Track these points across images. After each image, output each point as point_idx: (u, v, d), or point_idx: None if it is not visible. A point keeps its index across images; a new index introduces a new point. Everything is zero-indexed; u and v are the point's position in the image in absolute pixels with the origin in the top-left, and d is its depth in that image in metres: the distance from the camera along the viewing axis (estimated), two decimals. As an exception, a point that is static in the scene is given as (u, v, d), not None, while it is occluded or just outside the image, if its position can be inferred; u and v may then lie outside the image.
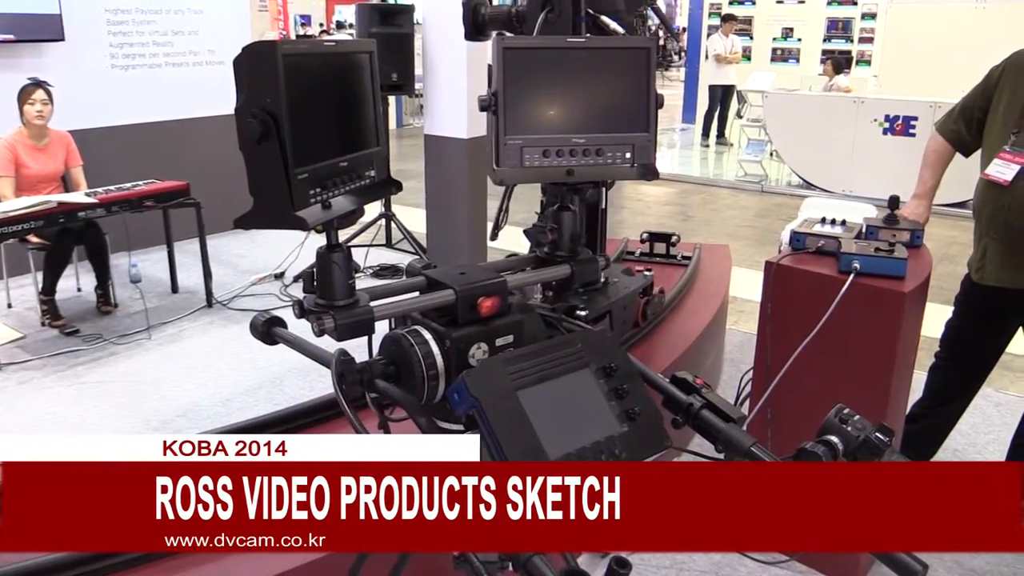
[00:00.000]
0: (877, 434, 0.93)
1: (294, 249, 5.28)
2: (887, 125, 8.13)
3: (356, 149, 1.05)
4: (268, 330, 1.31)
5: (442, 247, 5.54)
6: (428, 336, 1.08)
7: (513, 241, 6.65)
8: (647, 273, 2.78)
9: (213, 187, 5.56)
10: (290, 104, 0.88)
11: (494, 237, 2.31)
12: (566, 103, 1.18)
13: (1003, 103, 2.61)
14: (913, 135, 7.99)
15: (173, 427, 3.47)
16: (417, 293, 1.17)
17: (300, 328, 1.29)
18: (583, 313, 1.19)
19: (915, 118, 7.96)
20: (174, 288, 5.15)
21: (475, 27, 2.20)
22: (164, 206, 4.73)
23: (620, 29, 2.12)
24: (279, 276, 5.35)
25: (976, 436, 3.37)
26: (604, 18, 2.07)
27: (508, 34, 2.08)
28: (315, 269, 1.03)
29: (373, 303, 1.07)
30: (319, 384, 3.69)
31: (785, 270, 2.42)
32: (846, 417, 0.95)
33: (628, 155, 1.21)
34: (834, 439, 0.93)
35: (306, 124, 0.92)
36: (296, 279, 5.29)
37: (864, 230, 2.62)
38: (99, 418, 3.56)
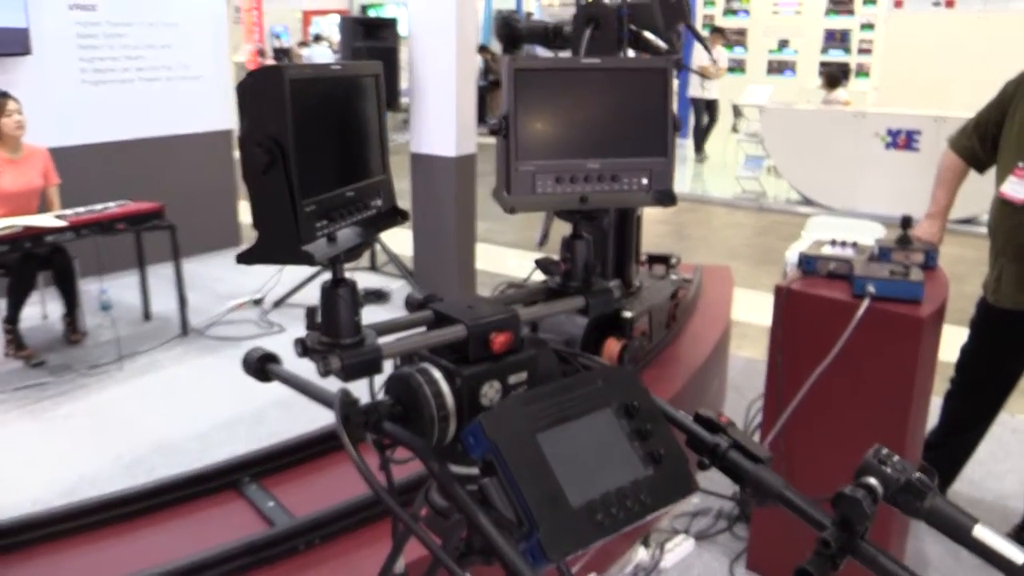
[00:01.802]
0: (919, 476, 0.92)
1: (273, 275, 5.26)
2: (889, 140, 8.22)
3: (362, 178, 1.04)
4: (263, 367, 1.29)
5: (429, 270, 5.52)
6: (438, 375, 1.06)
7: (498, 263, 6.66)
8: (674, 277, 2.86)
9: (188, 209, 5.57)
10: (297, 132, 0.87)
11: (543, 243, 2.33)
12: (580, 127, 1.17)
13: (1018, 118, 2.63)
14: (917, 150, 8.08)
15: (147, 465, 3.42)
16: (424, 328, 1.16)
17: (296, 364, 1.28)
18: (629, 315, 1.19)
19: (918, 132, 8.06)
20: (147, 315, 5.11)
21: (510, 40, 2.24)
22: (137, 229, 4.70)
23: (663, 45, 2.16)
24: (258, 302, 5.32)
25: (994, 464, 3.37)
26: (647, 34, 2.10)
27: (541, 49, 2.12)
28: (319, 305, 1.02)
29: (380, 340, 1.06)
30: (303, 418, 3.62)
31: (796, 295, 2.42)
32: (885, 458, 0.94)
33: (645, 181, 1.21)
34: (873, 481, 0.92)
35: (313, 152, 0.91)
36: (277, 305, 5.27)
37: (877, 252, 2.63)
38: (68, 455, 3.50)
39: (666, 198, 1.22)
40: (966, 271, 5.66)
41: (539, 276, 1.49)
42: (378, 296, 5.37)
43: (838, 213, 7.62)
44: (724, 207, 9.36)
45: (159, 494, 2.24)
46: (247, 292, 5.43)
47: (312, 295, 5.37)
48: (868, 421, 2.33)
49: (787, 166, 9.17)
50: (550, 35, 2.12)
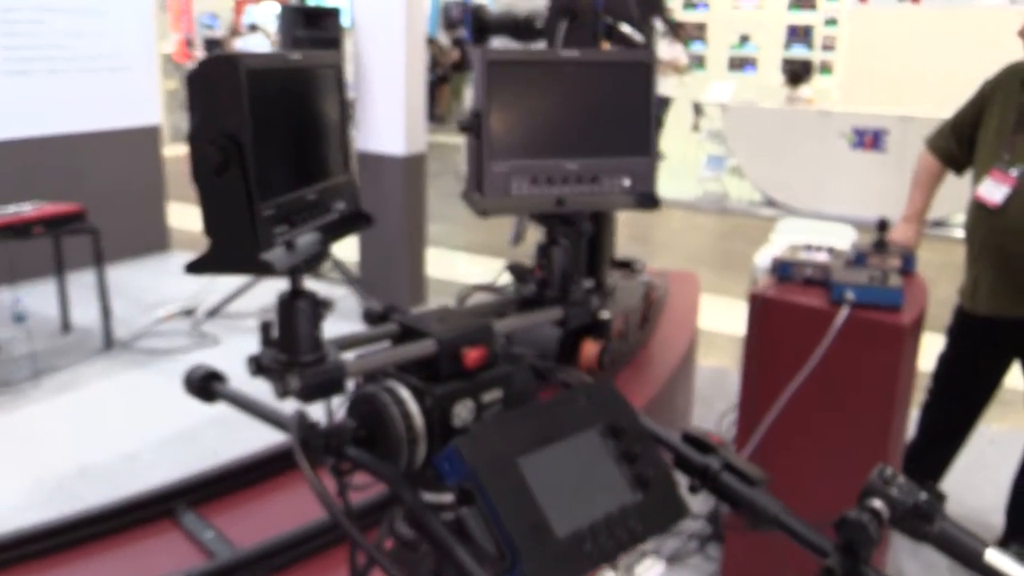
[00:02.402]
0: (926, 498, 0.92)
1: (207, 282, 5.15)
2: (856, 139, 8.39)
3: (323, 178, 1.00)
4: (207, 386, 1.25)
5: (377, 277, 5.47)
6: (406, 393, 1.03)
7: (450, 268, 6.63)
8: (644, 278, 3.00)
9: (112, 211, 5.43)
10: (254, 127, 0.83)
11: (517, 243, 2.31)
12: (557, 124, 1.15)
13: (995, 119, 2.69)
14: (884, 150, 8.26)
15: (70, 491, 3.31)
16: (388, 343, 1.13)
17: (244, 382, 1.24)
18: (608, 316, 1.18)
19: (886, 132, 8.24)
20: (66, 327, 4.97)
21: (479, 31, 2.23)
22: (55, 232, 4.57)
23: (640, 37, 2.16)
24: (190, 312, 5.21)
25: (970, 476, 3.44)
26: (624, 26, 2.11)
27: (500, 40, 2.11)
28: (276, 319, 0.98)
29: (343, 356, 1.03)
30: (242, 436, 3.53)
31: (772, 303, 2.44)
32: (890, 479, 0.94)
33: (627, 182, 1.19)
34: (879, 504, 0.92)
35: (271, 150, 0.88)
36: (211, 315, 5.16)
37: (853, 257, 2.66)
38: (-20, 482, 3.37)
39: (648, 201, 1.21)
40: (935, 275, 5.77)
41: (506, 279, 1.47)
42: (322, 305, 5.26)
43: (804, 215, 7.74)
44: (685, 209, 9.46)
45: (85, 525, 2.16)
46: (178, 301, 5.31)
47: (249, 304, 5.28)
48: (848, 434, 2.35)
49: (751, 166, 9.31)
50: (521, 26, 2.11)
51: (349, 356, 1.07)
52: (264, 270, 0.87)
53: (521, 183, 1.14)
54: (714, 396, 4.29)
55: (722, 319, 5.25)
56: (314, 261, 0.98)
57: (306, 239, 0.98)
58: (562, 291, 1.23)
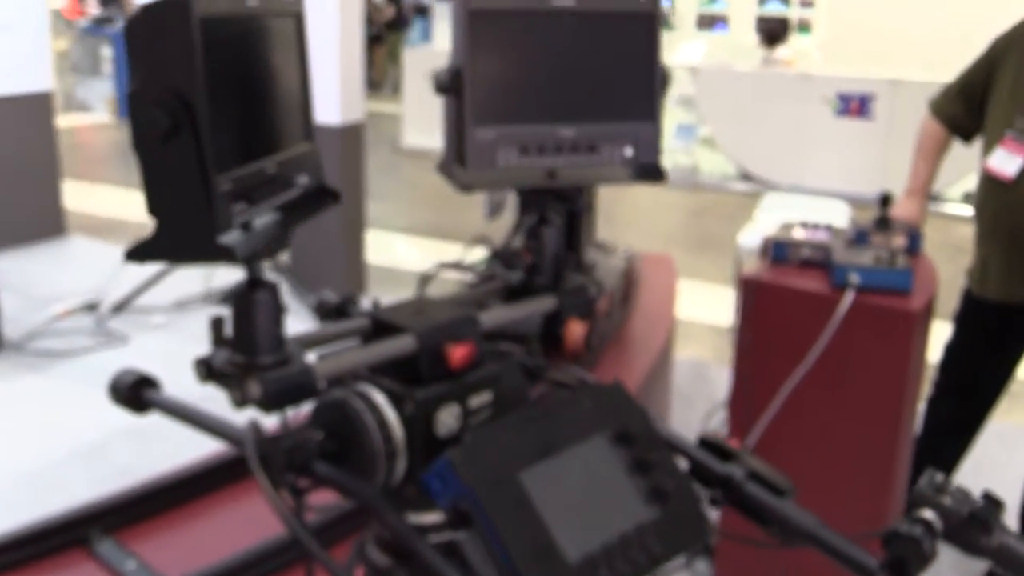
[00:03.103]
0: (983, 505, 0.91)
1: (111, 272, 5.02)
2: (840, 106, 8.51)
3: (284, 148, 0.96)
4: (137, 394, 1.20)
5: (309, 263, 5.40)
6: (381, 399, 1.00)
7: (390, 253, 6.57)
8: (623, 249, 3.07)
9: (-1, 191, 5.28)
10: (209, 86, 0.79)
11: (494, 216, 2.28)
12: (550, 84, 1.12)
13: (1008, 80, 2.72)
14: (871, 118, 8.38)
15: (-43, 517, 3.20)
16: (357, 340, 1.09)
17: (182, 388, 1.18)
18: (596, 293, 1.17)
19: (872, 97, 8.37)
20: (-55, 326, 4.80)
21: None
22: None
23: None
24: (93, 307, 5.10)
25: (979, 476, 3.50)
26: None
27: None
28: (231, 314, 0.93)
29: (309, 356, 0.99)
30: (159, 450, 3.48)
31: (767, 288, 2.45)
32: (942, 486, 0.93)
33: (629, 151, 1.17)
34: (930, 515, 0.91)
35: (227, 114, 0.83)
36: (117, 310, 5.05)
37: (853, 235, 2.68)
38: None
39: (653, 173, 1.19)
40: (933, 254, 5.89)
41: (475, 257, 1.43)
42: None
43: (783, 190, 7.84)
44: (651, 186, 9.50)
45: (-18, 558, 2.08)
46: (77, 295, 5.17)
47: (162, 297, 5.17)
48: (854, 433, 2.37)
49: (725, 136, 9.39)
50: None
51: (310, 357, 1.04)
52: (222, 256, 0.83)
53: (509, 153, 1.11)
54: (694, 394, 4.31)
55: (699, 306, 5.28)
56: (276, 245, 0.94)
57: (263, 220, 0.93)
58: (554, 278, 1.20)
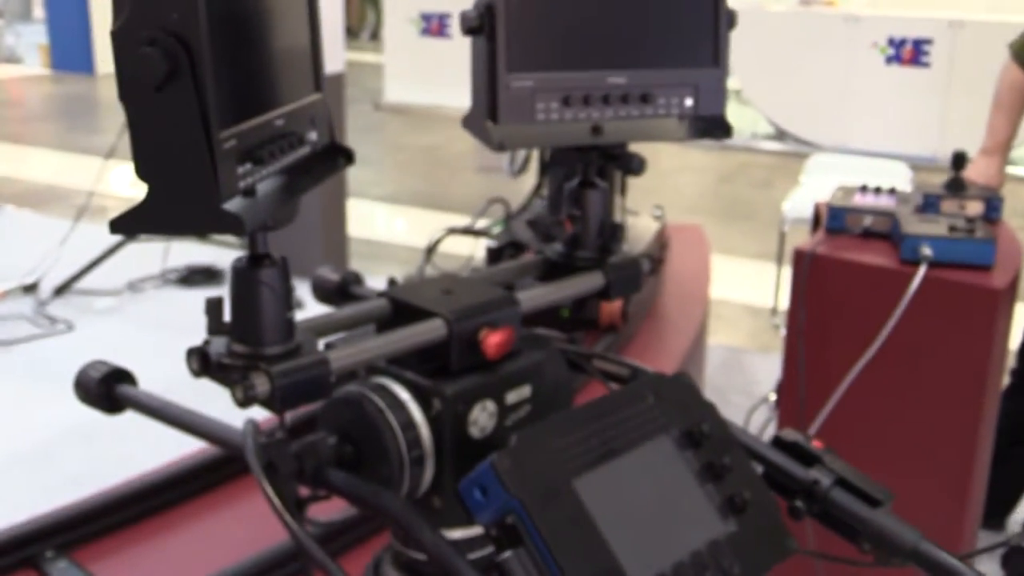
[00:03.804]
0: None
1: (49, 249, 5.02)
2: (891, 52, 8.49)
3: (292, 100, 0.94)
4: (110, 391, 1.18)
5: (281, 235, 5.36)
6: (405, 395, 0.98)
7: (369, 225, 6.55)
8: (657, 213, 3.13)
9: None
10: (211, 25, 0.76)
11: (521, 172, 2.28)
12: (596, 24, 1.10)
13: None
14: (927, 64, 8.36)
15: None
16: (373, 326, 1.07)
17: (164, 385, 1.17)
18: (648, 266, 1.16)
19: (929, 41, 8.34)
20: None
21: None
22: None
23: None
24: (31, 289, 5.11)
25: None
26: None
27: None
28: (230, 295, 0.91)
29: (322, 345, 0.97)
30: (113, 454, 3.49)
31: (824, 262, 2.44)
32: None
33: (689, 102, 1.14)
34: (1057, 528, 0.90)
35: (230, 57, 0.81)
36: (59, 292, 5.04)
37: (921, 201, 2.66)
38: None
39: (718, 128, 1.17)
40: (1010, 224, 5.90)
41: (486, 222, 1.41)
42: (208, 275, 5.23)
43: (826, 150, 7.83)
44: (674, 145, 9.49)
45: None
46: (13, 276, 5.17)
47: (109, 278, 5.16)
48: (926, 429, 2.37)
49: (756, 88, 9.35)
50: None
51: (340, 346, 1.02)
52: (226, 227, 0.80)
53: (549, 104, 1.09)
54: (727, 385, 4.32)
55: (733, 285, 5.27)
56: (286, 213, 0.92)
57: (268, 184, 0.91)
58: (601, 251, 1.18)
